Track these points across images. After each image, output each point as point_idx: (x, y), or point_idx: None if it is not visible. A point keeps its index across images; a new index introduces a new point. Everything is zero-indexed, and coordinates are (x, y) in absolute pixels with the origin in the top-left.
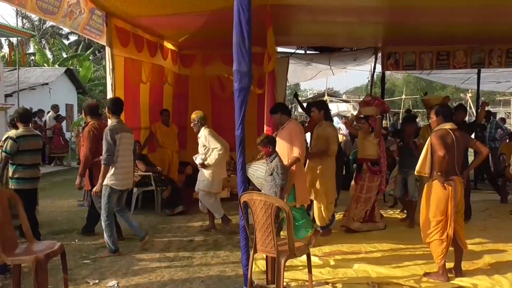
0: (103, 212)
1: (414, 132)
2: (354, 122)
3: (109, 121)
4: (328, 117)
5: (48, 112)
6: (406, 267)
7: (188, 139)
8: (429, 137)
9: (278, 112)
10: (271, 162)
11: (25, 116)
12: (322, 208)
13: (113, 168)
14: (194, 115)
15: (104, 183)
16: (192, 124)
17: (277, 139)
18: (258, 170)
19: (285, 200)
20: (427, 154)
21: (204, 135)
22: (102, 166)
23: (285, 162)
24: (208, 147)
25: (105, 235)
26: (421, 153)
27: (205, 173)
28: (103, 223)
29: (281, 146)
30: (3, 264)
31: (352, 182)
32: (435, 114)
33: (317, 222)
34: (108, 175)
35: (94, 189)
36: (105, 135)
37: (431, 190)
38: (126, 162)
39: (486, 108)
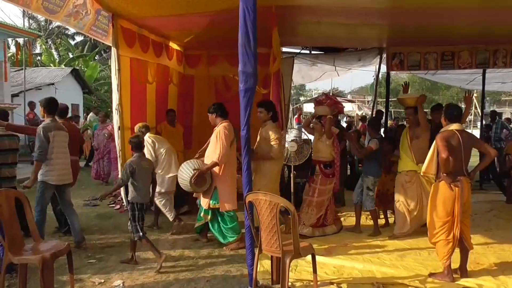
0: (36, 206)
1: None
2: (313, 121)
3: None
4: (275, 118)
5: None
6: (411, 267)
7: (193, 139)
8: (435, 138)
9: (213, 113)
10: None
11: (1, 117)
12: None
13: (48, 165)
14: (135, 129)
15: (40, 179)
16: None
17: (210, 139)
18: (184, 172)
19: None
20: (433, 155)
21: (146, 144)
22: (35, 162)
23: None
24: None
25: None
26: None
27: None
28: (35, 216)
29: (210, 147)
30: (10, 263)
31: (306, 185)
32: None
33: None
34: (43, 171)
35: (24, 184)
36: (38, 133)
37: (438, 190)
38: (61, 159)
39: (492, 108)
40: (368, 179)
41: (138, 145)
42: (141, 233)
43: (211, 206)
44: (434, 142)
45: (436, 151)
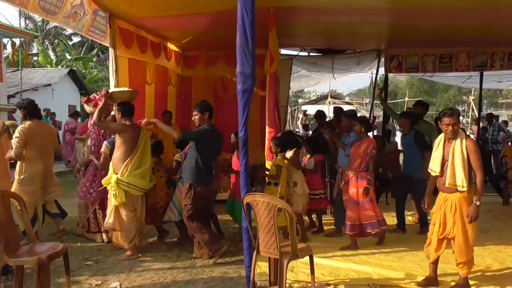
0: None
1: None
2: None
3: None
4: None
5: None
6: (408, 269)
7: None
8: (465, 144)
9: None
10: None
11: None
12: None
13: None
14: None
15: None
16: None
17: None
18: None
19: None
20: (465, 164)
21: None
22: None
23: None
24: None
25: None
26: None
27: None
28: None
29: None
30: (6, 265)
31: None
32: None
33: None
34: None
35: None
36: None
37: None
38: None
39: (489, 111)
40: None
41: None
42: None
43: None
44: (465, 149)
45: (467, 160)
